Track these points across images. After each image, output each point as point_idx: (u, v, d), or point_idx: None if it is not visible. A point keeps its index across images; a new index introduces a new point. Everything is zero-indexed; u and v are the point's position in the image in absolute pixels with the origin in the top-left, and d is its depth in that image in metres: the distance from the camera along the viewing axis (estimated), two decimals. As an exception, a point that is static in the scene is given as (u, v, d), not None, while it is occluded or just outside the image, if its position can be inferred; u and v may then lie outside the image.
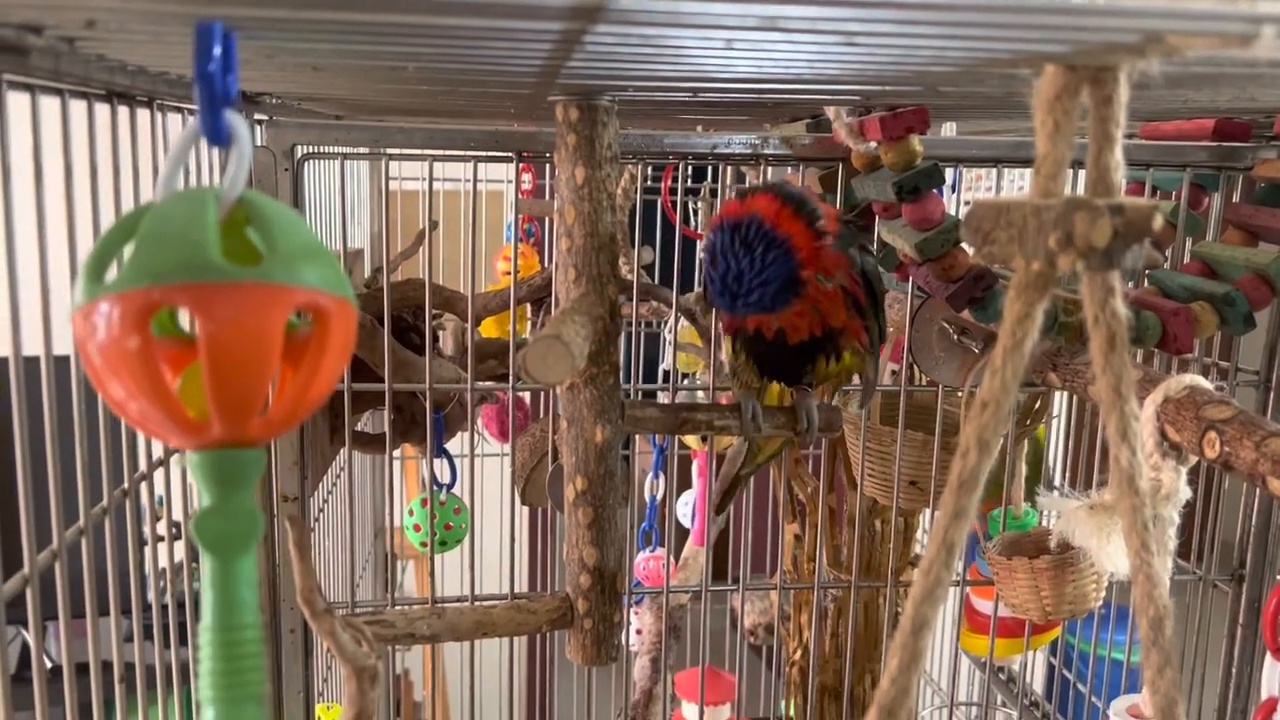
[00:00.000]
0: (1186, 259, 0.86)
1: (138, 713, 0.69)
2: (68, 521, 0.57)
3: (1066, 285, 0.76)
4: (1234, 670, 0.97)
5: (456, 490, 1.11)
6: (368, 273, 1.23)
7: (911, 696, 0.35)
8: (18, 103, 0.49)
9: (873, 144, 0.77)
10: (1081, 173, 0.35)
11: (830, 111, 0.80)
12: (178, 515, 0.74)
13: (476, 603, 0.81)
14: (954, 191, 1.24)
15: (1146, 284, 0.84)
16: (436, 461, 1.00)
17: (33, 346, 0.52)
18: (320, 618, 0.50)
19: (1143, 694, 0.66)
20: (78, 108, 0.57)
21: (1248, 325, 0.76)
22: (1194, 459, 0.66)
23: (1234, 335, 0.91)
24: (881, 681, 0.35)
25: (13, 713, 0.52)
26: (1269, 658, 0.62)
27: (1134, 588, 0.50)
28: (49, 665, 0.55)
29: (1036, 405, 1.02)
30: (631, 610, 1.40)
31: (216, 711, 0.37)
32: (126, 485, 0.65)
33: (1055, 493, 1.08)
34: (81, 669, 0.59)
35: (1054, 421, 1.05)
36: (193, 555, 0.80)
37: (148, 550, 0.72)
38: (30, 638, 0.55)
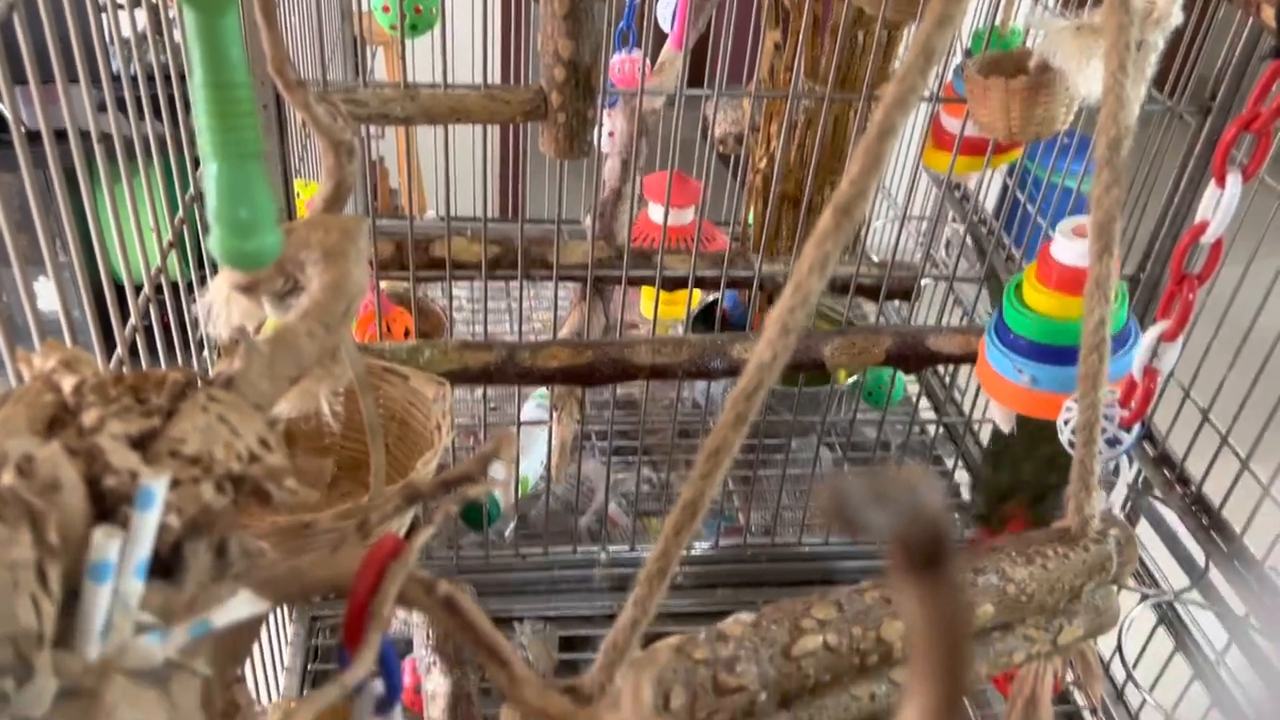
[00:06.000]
0: None
1: (120, 179, 0.71)
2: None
3: None
4: (1177, 197, 1.02)
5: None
6: None
7: (868, 200, 0.37)
8: None
9: None
10: None
11: None
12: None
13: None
14: None
15: None
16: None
17: None
18: (294, 90, 0.50)
19: (1088, 214, 0.70)
20: None
21: None
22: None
23: None
24: (841, 184, 0.36)
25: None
26: (1211, 186, 0.65)
27: (1102, 108, 0.51)
28: (24, 130, 0.56)
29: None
30: (605, 113, 1.40)
31: (219, 168, 0.39)
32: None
33: (1046, 13, 1.05)
34: (60, 136, 0.59)
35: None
36: (156, 28, 0.77)
37: (106, 17, 0.69)
38: (3, 107, 0.54)
